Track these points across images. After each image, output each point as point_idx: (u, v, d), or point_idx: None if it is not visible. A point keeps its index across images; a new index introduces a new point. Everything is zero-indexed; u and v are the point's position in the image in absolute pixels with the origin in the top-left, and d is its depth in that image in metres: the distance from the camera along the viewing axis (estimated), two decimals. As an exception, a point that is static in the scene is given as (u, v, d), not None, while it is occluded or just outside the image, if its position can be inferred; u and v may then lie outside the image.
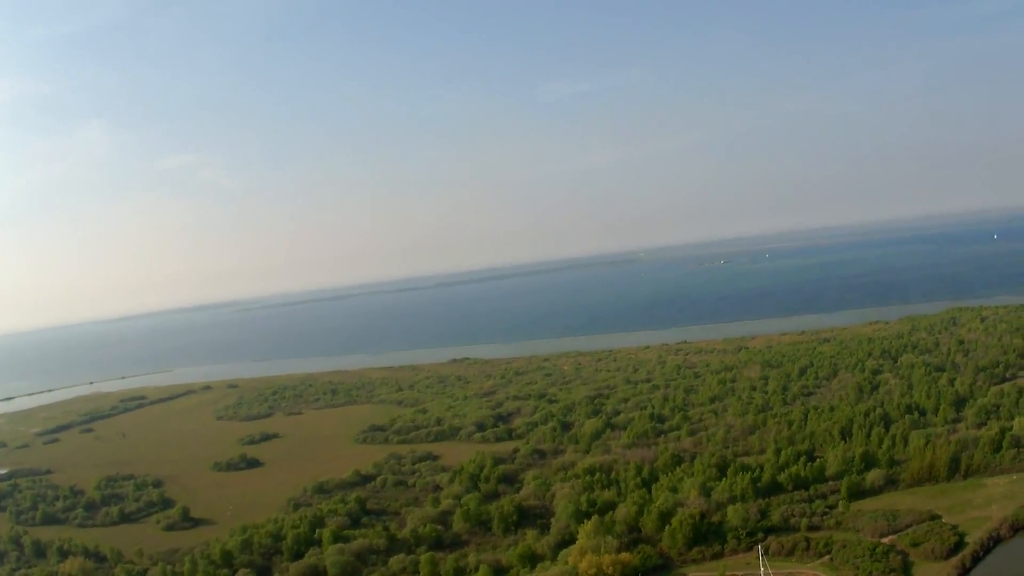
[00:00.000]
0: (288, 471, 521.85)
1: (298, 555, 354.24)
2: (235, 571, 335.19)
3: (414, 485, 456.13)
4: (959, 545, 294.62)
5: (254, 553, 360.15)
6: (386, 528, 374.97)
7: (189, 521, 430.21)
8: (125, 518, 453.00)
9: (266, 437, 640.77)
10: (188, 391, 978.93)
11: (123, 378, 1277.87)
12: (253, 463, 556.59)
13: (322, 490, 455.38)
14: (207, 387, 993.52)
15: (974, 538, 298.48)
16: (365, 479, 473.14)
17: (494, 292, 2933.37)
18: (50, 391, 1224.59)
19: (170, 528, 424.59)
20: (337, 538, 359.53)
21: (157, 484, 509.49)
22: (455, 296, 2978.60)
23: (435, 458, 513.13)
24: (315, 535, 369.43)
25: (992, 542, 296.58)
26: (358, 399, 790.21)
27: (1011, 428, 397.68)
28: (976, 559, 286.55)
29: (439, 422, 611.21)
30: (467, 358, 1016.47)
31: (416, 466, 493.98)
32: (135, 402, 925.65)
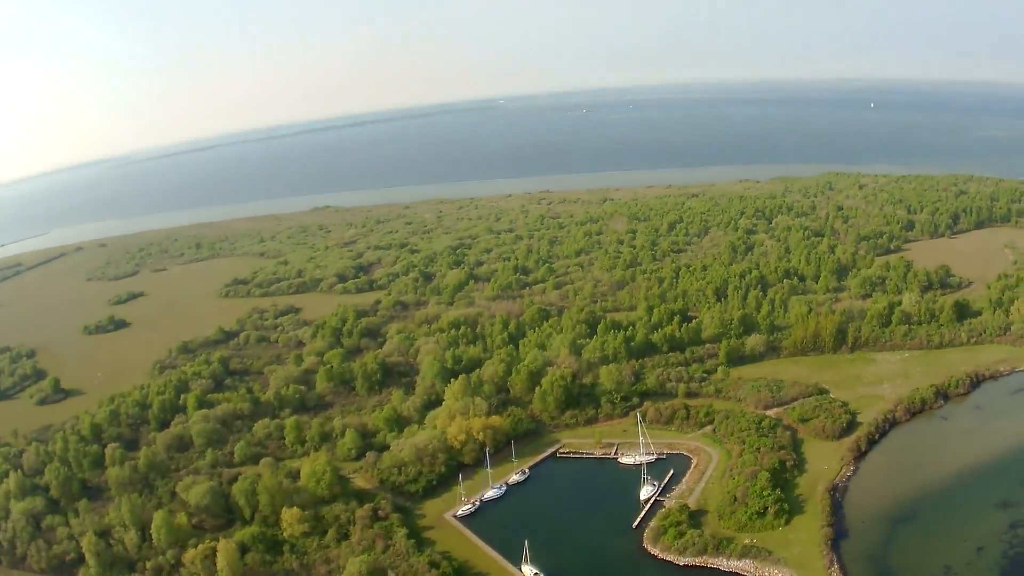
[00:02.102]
0: (154, 330, 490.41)
1: (165, 424, 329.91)
2: (104, 446, 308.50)
3: (277, 341, 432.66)
4: (852, 425, 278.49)
5: (122, 425, 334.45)
6: (250, 390, 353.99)
7: (61, 393, 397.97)
8: (2, 395, 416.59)
9: (132, 296, 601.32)
10: (61, 254, 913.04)
11: (2, 246, 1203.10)
12: (121, 324, 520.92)
13: (187, 350, 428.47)
14: (79, 248, 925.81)
15: (868, 418, 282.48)
16: (228, 336, 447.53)
17: (356, 139, 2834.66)
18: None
19: (43, 402, 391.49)
20: (202, 404, 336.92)
21: (31, 355, 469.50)
22: (318, 144, 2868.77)
23: (297, 311, 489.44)
24: (180, 401, 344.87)
25: (888, 424, 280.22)
26: (221, 252, 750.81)
27: (900, 303, 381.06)
28: (872, 441, 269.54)
29: (300, 274, 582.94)
30: (328, 206, 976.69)
31: (279, 320, 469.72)
32: (12, 270, 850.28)
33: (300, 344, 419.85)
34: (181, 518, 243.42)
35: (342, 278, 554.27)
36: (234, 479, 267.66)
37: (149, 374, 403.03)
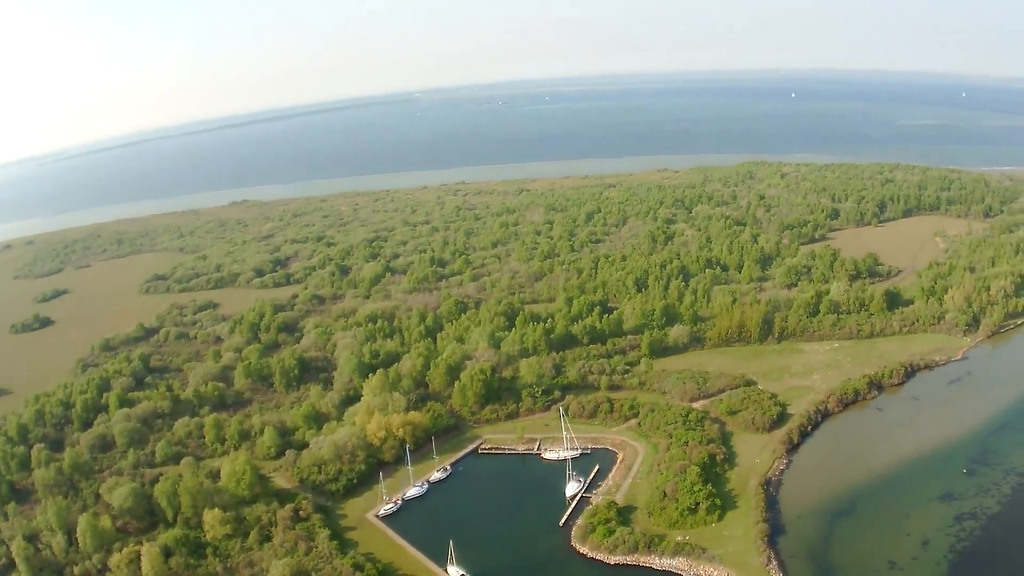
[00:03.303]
0: (78, 328, 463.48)
1: (88, 423, 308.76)
2: (31, 446, 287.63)
3: (196, 337, 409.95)
4: (782, 417, 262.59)
5: (47, 425, 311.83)
6: (169, 388, 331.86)
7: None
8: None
9: (58, 294, 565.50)
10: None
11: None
12: (46, 322, 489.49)
13: (108, 347, 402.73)
14: (7, 246, 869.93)
15: (799, 410, 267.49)
16: (149, 332, 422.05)
17: (274, 133, 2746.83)
18: None
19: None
20: (123, 402, 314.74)
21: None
22: (237, 138, 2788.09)
23: (215, 306, 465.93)
24: (103, 400, 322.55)
25: (820, 416, 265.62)
26: (142, 248, 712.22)
27: (828, 292, 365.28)
28: (804, 434, 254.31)
29: (219, 268, 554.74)
30: (246, 200, 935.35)
31: (197, 316, 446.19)
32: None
33: (219, 340, 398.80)
34: (105, 521, 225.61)
35: (260, 273, 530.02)
36: (156, 479, 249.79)
37: (72, 372, 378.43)
